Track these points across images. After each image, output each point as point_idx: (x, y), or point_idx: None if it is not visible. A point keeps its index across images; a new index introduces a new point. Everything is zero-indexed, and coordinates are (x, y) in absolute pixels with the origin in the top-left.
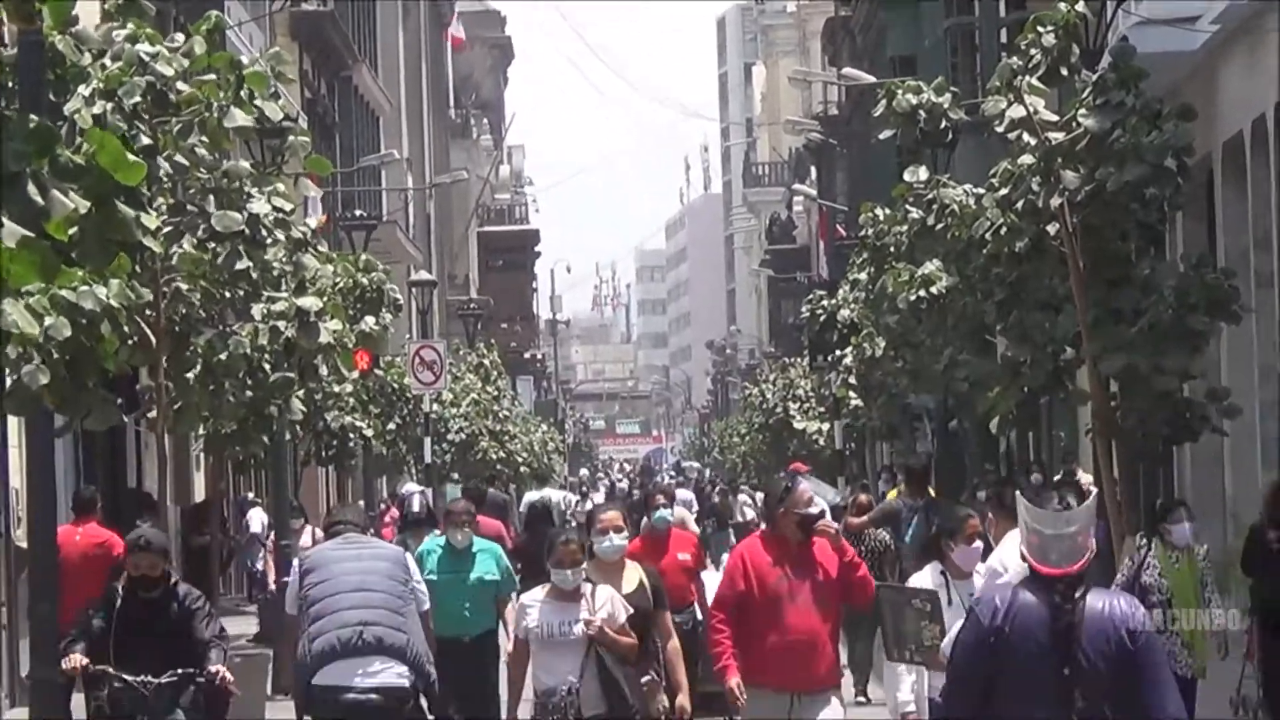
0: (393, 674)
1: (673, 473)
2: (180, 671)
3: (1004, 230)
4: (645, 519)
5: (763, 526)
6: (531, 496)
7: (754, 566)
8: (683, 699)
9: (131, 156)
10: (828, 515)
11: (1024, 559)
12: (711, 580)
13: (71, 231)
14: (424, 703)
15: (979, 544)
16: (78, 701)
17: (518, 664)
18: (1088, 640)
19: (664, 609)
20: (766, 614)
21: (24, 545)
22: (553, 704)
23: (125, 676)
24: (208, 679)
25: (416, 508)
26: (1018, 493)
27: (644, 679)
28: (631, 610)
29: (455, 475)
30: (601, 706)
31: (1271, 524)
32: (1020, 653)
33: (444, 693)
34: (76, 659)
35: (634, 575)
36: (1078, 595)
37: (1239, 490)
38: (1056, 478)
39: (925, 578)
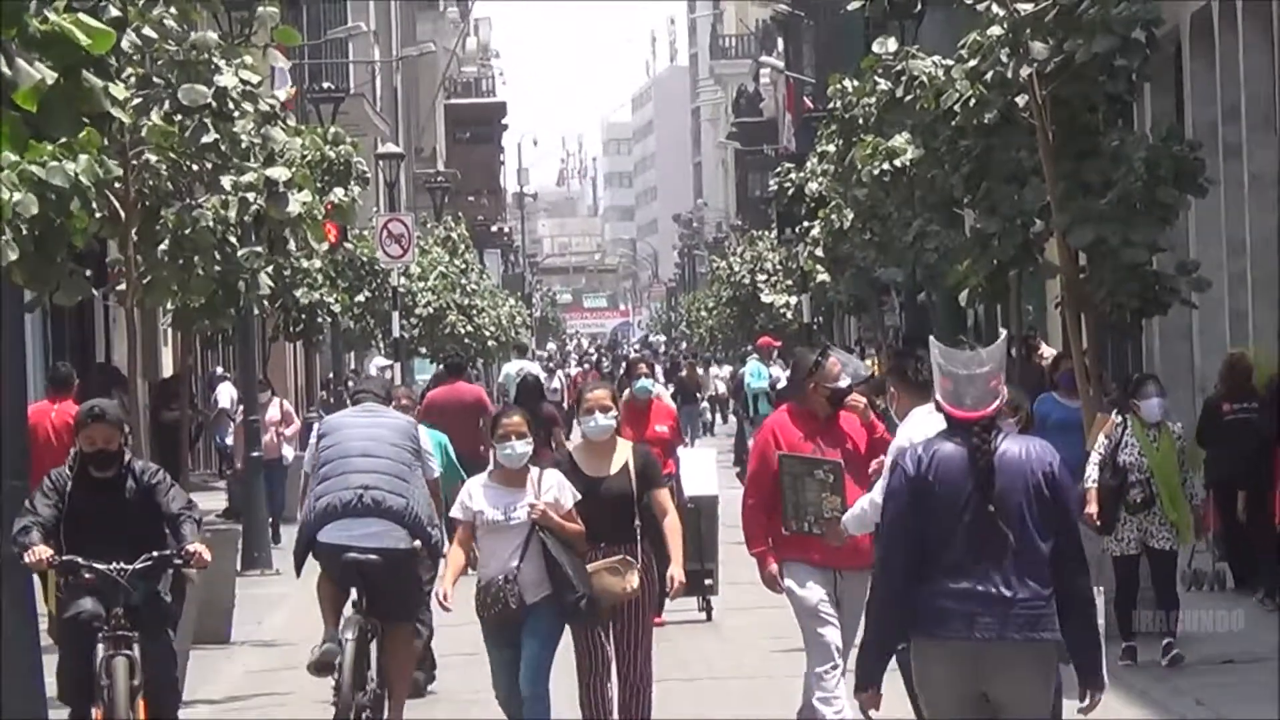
0: (392, 537)
1: (638, 346)
2: (156, 554)
3: (972, 102)
4: (626, 390)
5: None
6: (510, 369)
7: (785, 442)
8: (674, 570)
9: (99, 26)
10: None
11: (939, 408)
12: (687, 456)
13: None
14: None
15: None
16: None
17: (459, 548)
18: (1006, 480)
19: (659, 485)
20: None
21: None
22: (491, 592)
23: (97, 565)
24: (184, 559)
25: (374, 376)
26: (931, 338)
27: (610, 560)
28: (579, 496)
29: (423, 349)
30: (544, 590)
31: (1227, 396)
32: (946, 498)
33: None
34: (40, 551)
35: (623, 456)
36: (994, 438)
37: (1208, 364)
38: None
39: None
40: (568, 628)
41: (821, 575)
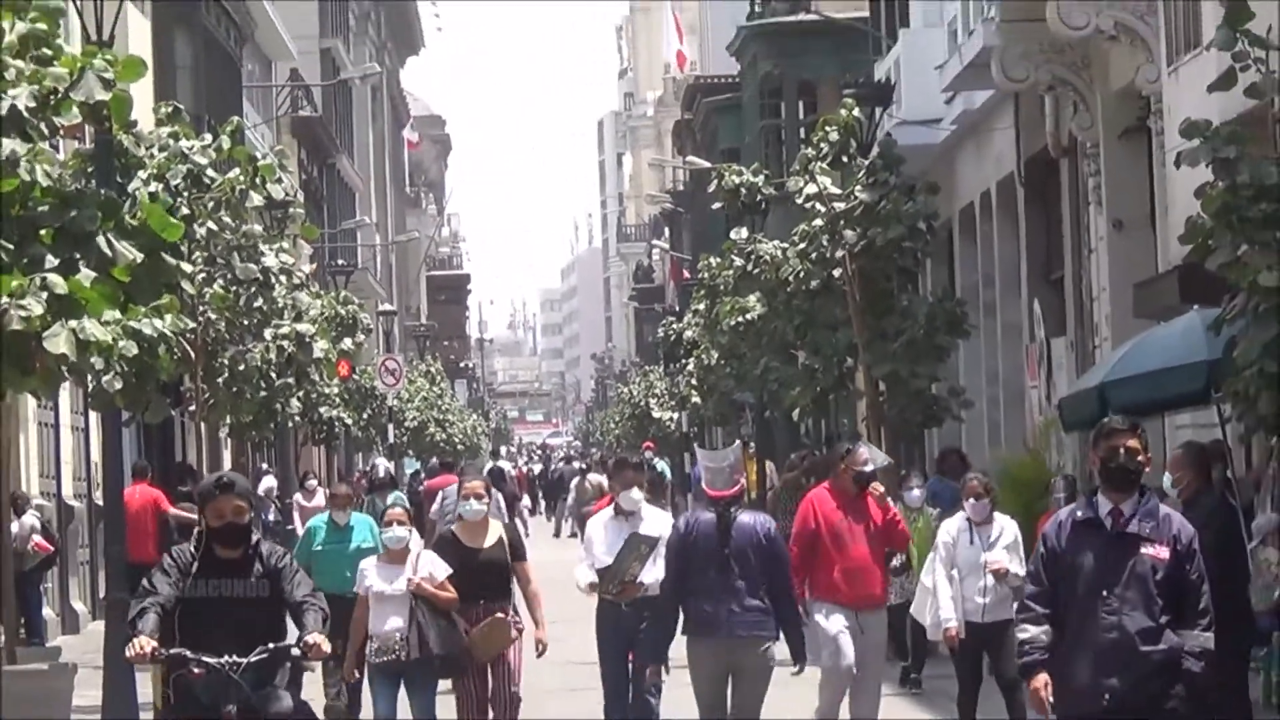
0: None
1: (564, 450)
2: (272, 646)
3: (802, 274)
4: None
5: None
6: (488, 464)
7: (821, 511)
8: (540, 633)
9: (173, 221)
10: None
11: (702, 490)
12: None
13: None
14: None
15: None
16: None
17: (359, 616)
18: (738, 535)
19: (523, 560)
20: (832, 547)
21: (100, 503)
22: (383, 647)
23: (207, 659)
24: (304, 650)
25: (381, 474)
26: (695, 446)
27: (491, 619)
28: (450, 570)
29: (410, 451)
30: (419, 651)
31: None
32: (700, 547)
33: (333, 638)
34: (144, 643)
35: (495, 531)
36: (733, 509)
37: (973, 462)
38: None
39: (953, 523)
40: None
41: (844, 612)
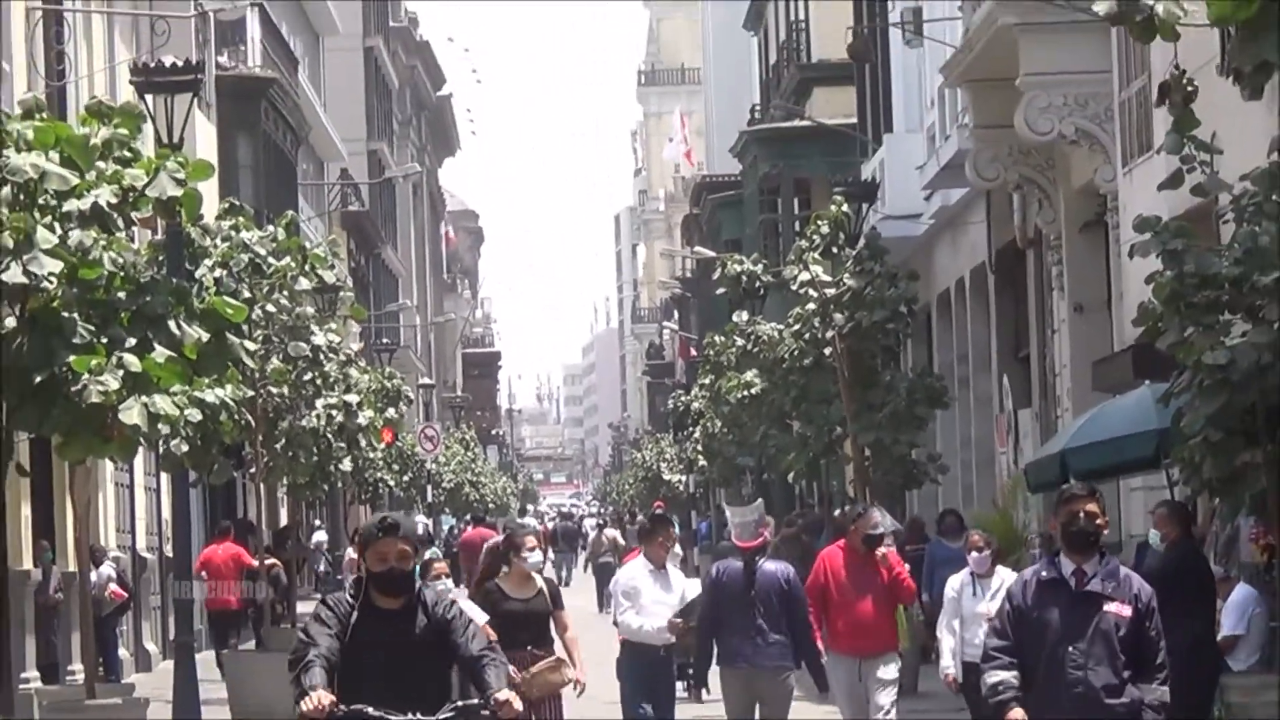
0: None
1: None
2: (461, 704)
3: (796, 352)
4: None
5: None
6: (517, 521)
7: (831, 568)
8: (579, 674)
9: (237, 305)
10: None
11: (731, 540)
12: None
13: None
14: None
15: (985, 552)
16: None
17: None
18: (761, 580)
19: (561, 608)
20: (839, 601)
21: (170, 555)
22: None
23: (394, 716)
24: (494, 709)
25: (420, 530)
26: (723, 502)
27: (549, 660)
28: (488, 617)
29: (447, 509)
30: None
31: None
32: (729, 590)
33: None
34: (321, 697)
35: (538, 582)
36: (757, 558)
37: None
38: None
39: (957, 579)
40: None
41: (848, 663)
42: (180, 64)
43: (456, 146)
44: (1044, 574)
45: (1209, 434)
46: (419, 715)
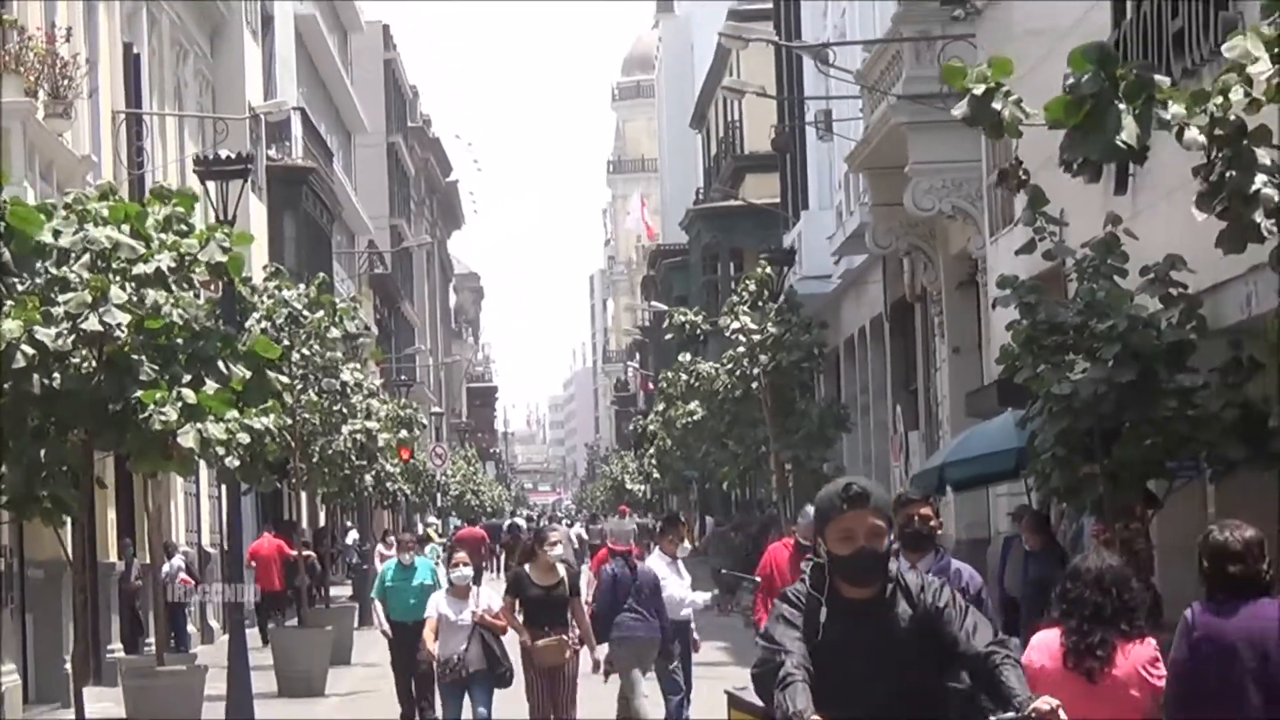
0: None
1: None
2: (991, 719)
3: (729, 386)
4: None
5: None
6: (507, 521)
7: (776, 561)
8: (596, 654)
9: (273, 345)
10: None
11: (612, 546)
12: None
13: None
14: None
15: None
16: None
17: (430, 637)
18: (642, 580)
19: (578, 595)
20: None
21: (228, 549)
22: (449, 665)
23: None
24: None
25: (420, 531)
26: (606, 526)
27: (553, 639)
28: (503, 603)
29: (454, 513)
30: (481, 664)
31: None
32: (619, 586)
33: (405, 659)
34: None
35: (560, 569)
36: (637, 561)
37: None
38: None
39: None
40: (519, 684)
41: None
42: (233, 156)
43: (462, 221)
44: None
45: (1056, 451)
46: None
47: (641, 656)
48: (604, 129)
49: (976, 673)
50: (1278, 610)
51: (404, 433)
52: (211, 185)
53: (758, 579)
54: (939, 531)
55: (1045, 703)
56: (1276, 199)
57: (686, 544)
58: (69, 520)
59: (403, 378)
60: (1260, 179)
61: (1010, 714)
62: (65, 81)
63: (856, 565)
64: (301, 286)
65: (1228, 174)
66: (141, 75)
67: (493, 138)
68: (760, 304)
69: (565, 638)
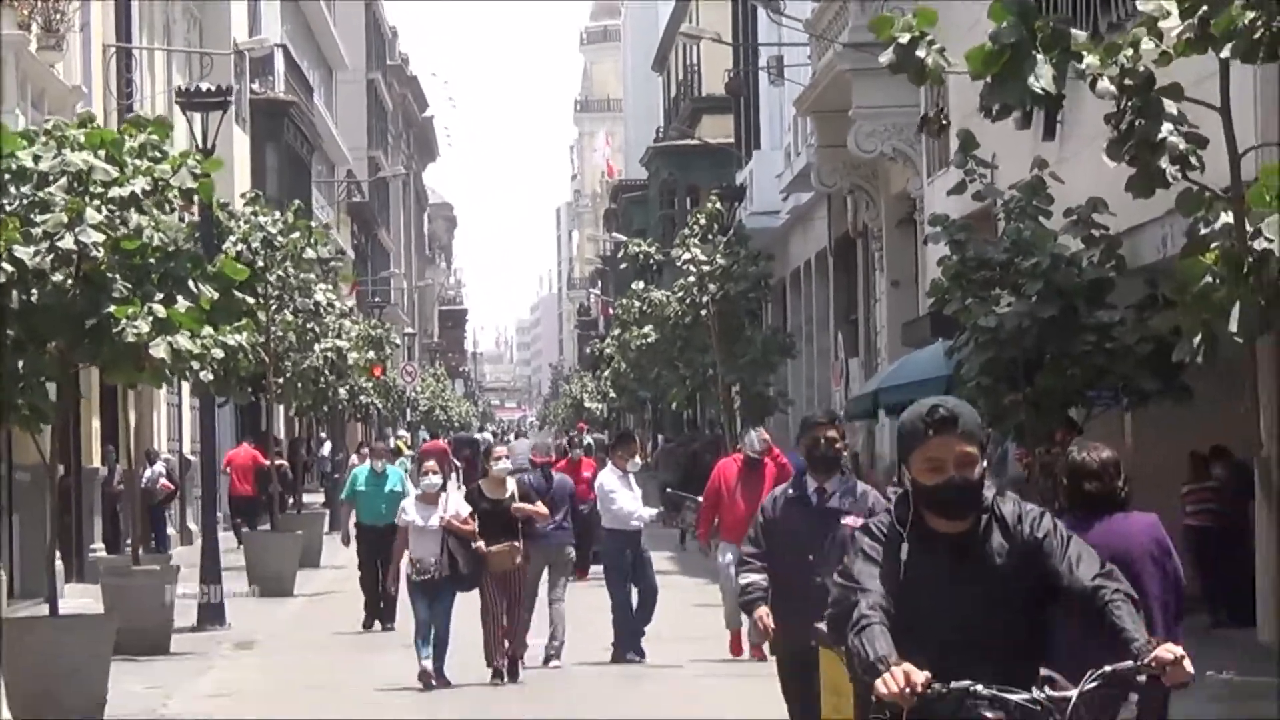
0: None
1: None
2: (1110, 670)
3: (680, 313)
4: (568, 453)
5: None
6: (467, 435)
7: (724, 476)
8: (535, 510)
9: (240, 268)
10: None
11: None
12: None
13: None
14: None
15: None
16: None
17: (400, 543)
18: (557, 491)
19: (530, 501)
20: (729, 502)
21: (196, 459)
22: (422, 568)
23: (1012, 695)
24: (1157, 673)
25: (392, 444)
26: (529, 434)
27: (504, 545)
28: (471, 508)
29: (423, 426)
30: (446, 570)
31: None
32: (537, 492)
33: (374, 562)
34: (911, 674)
35: (509, 483)
36: (550, 469)
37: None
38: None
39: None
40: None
41: (734, 549)
42: (214, 89)
43: (437, 155)
44: (790, 491)
45: (981, 380)
46: (1047, 692)
47: (551, 558)
48: (572, 70)
49: (1084, 611)
50: (1134, 524)
51: (373, 352)
52: (196, 117)
53: (699, 499)
54: (844, 453)
55: (1168, 651)
56: (1181, 147)
57: (638, 459)
58: (49, 428)
59: (377, 300)
60: (1166, 127)
61: (1128, 663)
62: (58, 15)
63: (945, 497)
64: (277, 213)
65: (1137, 122)
66: (132, 11)
67: (468, 76)
68: (710, 237)
69: (516, 544)
